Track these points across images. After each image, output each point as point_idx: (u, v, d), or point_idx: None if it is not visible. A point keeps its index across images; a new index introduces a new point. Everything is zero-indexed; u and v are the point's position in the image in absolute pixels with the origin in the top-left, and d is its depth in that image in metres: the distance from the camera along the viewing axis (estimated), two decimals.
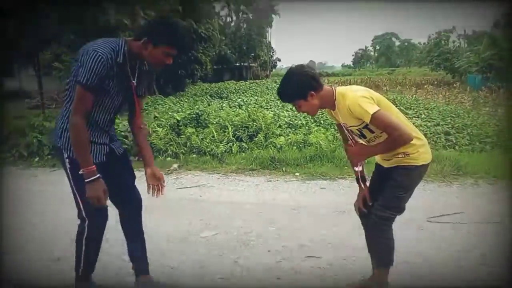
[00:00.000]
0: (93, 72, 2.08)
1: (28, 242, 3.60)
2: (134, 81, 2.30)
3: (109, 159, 2.39)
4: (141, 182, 2.62)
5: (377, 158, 2.55)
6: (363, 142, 2.47)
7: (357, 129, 2.38)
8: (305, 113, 2.48)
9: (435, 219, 3.89)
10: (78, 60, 2.13)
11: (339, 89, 2.35)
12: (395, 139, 2.23)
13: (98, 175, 2.19)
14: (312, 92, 2.29)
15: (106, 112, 2.31)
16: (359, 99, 2.21)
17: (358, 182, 2.62)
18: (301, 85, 2.30)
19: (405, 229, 3.65)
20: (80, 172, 2.17)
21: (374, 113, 2.17)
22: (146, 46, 2.16)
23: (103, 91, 2.19)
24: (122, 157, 2.52)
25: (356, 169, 2.57)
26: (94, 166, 2.18)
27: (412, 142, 2.27)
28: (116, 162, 2.45)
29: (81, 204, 2.33)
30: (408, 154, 2.33)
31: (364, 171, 2.61)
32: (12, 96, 18.97)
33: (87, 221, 2.36)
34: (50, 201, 4.71)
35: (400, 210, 2.44)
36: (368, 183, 2.63)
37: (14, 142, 7.22)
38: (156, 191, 2.52)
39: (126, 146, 5.91)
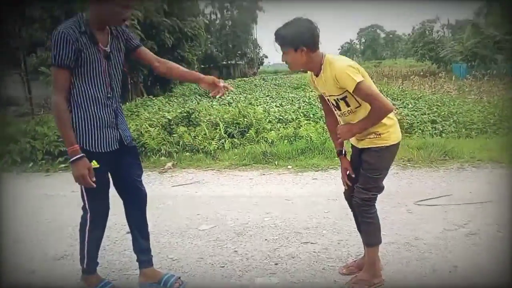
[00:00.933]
0: (60, 48, 2.18)
1: (25, 242, 3.67)
2: (107, 48, 2.35)
3: (119, 147, 2.45)
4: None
5: (352, 139, 2.64)
6: (338, 114, 2.58)
7: (334, 100, 2.48)
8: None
9: (423, 202, 4.05)
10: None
11: (328, 56, 2.42)
12: (377, 109, 2.31)
13: (82, 154, 2.24)
14: (304, 48, 2.34)
15: (99, 83, 2.33)
16: (347, 68, 2.30)
17: (339, 155, 2.74)
18: (298, 35, 2.34)
19: (395, 213, 3.83)
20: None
21: (360, 82, 2.26)
22: (102, 5, 2.22)
23: (81, 61, 2.24)
24: (131, 148, 2.58)
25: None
26: (77, 145, 2.24)
27: (383, 121, 2.39)
28: (124, 152, 2.51)
29: (84, 195, 2.43)
30: (380, 135, 2.44)
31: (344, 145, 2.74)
32: None
33: (89, 212, 2.46)
34: (45, 204, 4.79)
35: (379, 189, 2.56)
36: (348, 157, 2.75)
37: (6, 149, 7.23)
38: (218, 93, 2.58)
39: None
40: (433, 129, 8.42)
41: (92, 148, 2.34)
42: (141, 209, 2.66)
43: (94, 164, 2.32)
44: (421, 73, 30.26)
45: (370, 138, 2.49)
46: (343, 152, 2.72)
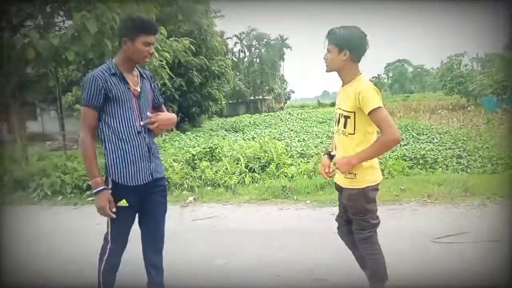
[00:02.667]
0: (90, 89, 2.42)
1: (53, 271, 3.82)
2: (137, 88, 2.56)
3: (149, 184, 2.60)
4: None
5: (335, 176, 2.72)
6: (335, 130, 2.66)
7: (339, 113, 2.57)
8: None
9: (440, 239, 4.00)
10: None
11: (363, 75, 2.53)
12: (389, 135, 2.34)
13: (104, 186, 2.43)
14: (348, 52, 2.44)
15: (130, 120, 2.51)
16: (373, 90, 2.41)
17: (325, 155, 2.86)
18: (348, 39, 2.44)
19: (411, 251, 3.79)
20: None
21: (380, 107, 2.35)
22: (127, 44, 2.46)
23: (112, 100, 2.45)
24: (159, 184, 2.69)
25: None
26: (100, 178, 2.44)
27: (361, 163, 2.45)
28: (154, 190, 2.65)
29: (109, 226, 2.58)
30: (355, 175, 2.49)
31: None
32: (35, 139, 19.75)
33: (110, 244, 2.60)
34: (73, 235, 4.98)
35: (373, 226, 2.61)
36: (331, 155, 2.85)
37: (38, 183, 7.58)
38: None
39: None
40: (458, 164, 8.29)
41: (125, 182, 2.50)
42: (157, 249, 2.77)
43: (124, 202, 2.49)
44: (450, 107, 29.84)
45: (347, 178, 2.55)
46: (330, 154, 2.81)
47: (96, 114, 2.47)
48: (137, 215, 2.71)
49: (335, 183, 2.78)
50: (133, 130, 2.52)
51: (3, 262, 4.16)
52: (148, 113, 2.60)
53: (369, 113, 2.37)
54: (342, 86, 2.60)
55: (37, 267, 3.99)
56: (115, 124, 2.49)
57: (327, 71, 2.61)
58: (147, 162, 2.57)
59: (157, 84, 2.80)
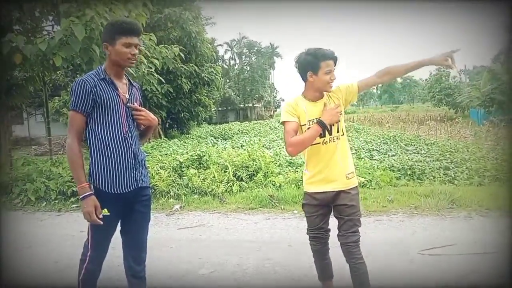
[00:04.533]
0: (78, 95, 2.41)
1: (31, 280, 3.73)
2: (126, 95, 2.54)
3: (133, 192, 2.54)
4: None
5: (324, 186, 2.76)
6: (319, 142, 2.70)
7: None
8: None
9: (426, 251, 3.99)
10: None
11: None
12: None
13: (90, 192, 2.39)
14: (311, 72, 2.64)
15: (118, 126, 2.48)
16: None
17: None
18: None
19: (397, 262, 3.78)
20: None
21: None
22: (108, 49, 2.45)
23: (100, 106, 2.43)
24: (144, 194, 2.64)
25: None
26: (86, 183, 2.39)
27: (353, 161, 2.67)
28: (138, 199, 2.61)
29: (90, 234, 2.53)
30: (353, 173, 2.75)
31: None
32: (21, 143, 19.50)
33: (90, 251, 2.55)
34: (54, 242, 4.88)
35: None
36: None
37: (22, 188, 7.44)
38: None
39: None
40: (445, 175, 8.32)
41: (108, 189, 2.46)
42: (138, 262, 2.70)
43: (105, 212, 2.44)
44: (438, 118, 30.23)
45: (348, 178, 2.67)
46: None
47: (83, 118, 2.44)
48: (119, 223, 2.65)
49: (320, 193, 2.72)
50: (119, 136, 2.48)
51: None
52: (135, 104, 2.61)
53: (358, 84, 2.72)
54: (314, 101, 2.70)
55: (20, 273, 3.89)
56: (101, 130, 2.46)
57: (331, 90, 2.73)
58: (132, 170, 2.53)
59: (143, 93, 2.78)
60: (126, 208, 2.58)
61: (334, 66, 2.61)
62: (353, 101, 2.85)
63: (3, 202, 7.36)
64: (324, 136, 2.66)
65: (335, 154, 2.66)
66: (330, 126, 2.63)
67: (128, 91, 2.58)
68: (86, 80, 2.42)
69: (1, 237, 5.28)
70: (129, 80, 2.65)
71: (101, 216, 2.39)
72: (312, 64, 2.58)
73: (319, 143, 2.67)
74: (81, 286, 2.60)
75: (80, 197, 2.39)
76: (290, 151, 2.60)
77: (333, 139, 2.66)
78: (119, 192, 2.48)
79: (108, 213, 2.44)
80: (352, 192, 2.68)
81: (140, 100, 2.73)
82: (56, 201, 7.05)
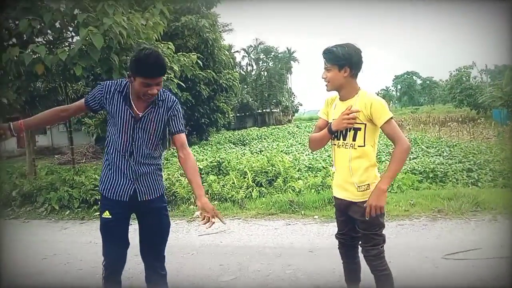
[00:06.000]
0: (92, 91, 2.61)
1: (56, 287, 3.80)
2: (140, 113, 2.51)
3: (134, 203, 2.56)
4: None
5: (339, 191, 2.72)
6: (335, 144, 2.65)
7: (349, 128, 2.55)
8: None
9: (450, 256, 3.91)
10: None
11: (364, 90, 2.57)
12: (404, 145, 2.42)
13: (11, 123, 2.49)
14: (348, 69, 2.47)
15: (121, 139, 2.51)
16: (384, 102, 2.51)
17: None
18: (347, 56, 2.46)
19: (421, 267, 3.71)
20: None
21: (391, 117, 2.45)
22: (130, 79, 2.48)
23: (110, 113, 2.53)
24: (152, 207, 2.62)
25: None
26: (23, 124, 2.52)
27: (374, 172, 2.56)
28: (147, 211, 2.61)
29: (102, 242, 2.61)
30: (369, 186, 2.57)
31: None
32: (44, 152, 19.96)
33: (103, 260, 2.61)
34: (78, 250, 4.96)
35: (384, 240, 2.62)
36: None
37: (46, 197, 7.60)
38: (206, 222, 2.44)
39: None
40: (468, 177, 8.15)
41: (106, 194, 2.57)
42: (153, 270, 2.70)
43: (107, 214, 2.54)
44: (460, 119, 29.65)
45: (359, 190, 2.53)
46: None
47: (82, 107, 2.62)
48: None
49: (337, 198, 2.71)
50: (120, 148, 2.54)
51: (10, 275, 4.15)
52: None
53: (383, 124, 2.43)
54: (342, 101, 2.61)
55: (45, 281, 3.97)
56: (109, 138, 2.60)
57: (328, 90, 2.62)
58: (129, 183, 2.54)
59: (181, 113, 2.68)
60: (138, 219, 2.65)
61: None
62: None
63: (28, 211, 7.54)
64: (338, 139, 2.62)
65: (347, 162, 2.57)
66: (346, 131, 2.55)
67: (145, 109, 2.53)
68: (106, 85, 2.56)
69: (27, 245, 5.41)
70: (156, 98, 2.53)
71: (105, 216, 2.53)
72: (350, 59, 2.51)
73: (335, 144, 2.65)
74: None
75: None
76: (308, 146, 2.71)
77: (346, 145, 2.57)
78: (114, 199, 2.54)
79: (110, 216, 2.53)
80: (365, 206, 2.51)
81: (165, 116, 2.58)
82: (79, 209, 7.18)
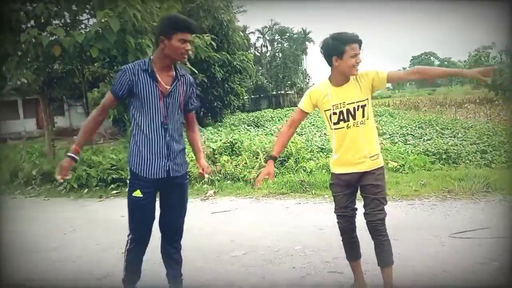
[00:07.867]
0: (117, 80, 2.60)
1: (73, 261, 4.01)
2: (167, 87, 2.62)
3: (165, 179, 2.67)
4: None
5: (350, 166, 2.81)
6: (342, 127, 2.73)
7: (355, 107, 2.68)
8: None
9: (457, 234, 3.98)
10: None
11: None
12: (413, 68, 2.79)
13: (72, 155, 2.57)
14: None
15: (149, 116, 2.60)
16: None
17: (270, 159, 3.12)
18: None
19: (427, 245, 3.80)
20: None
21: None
22: (163, 43, 2.54)
23: (137, 95, 2.58)
24: (177, 182, 2.75)
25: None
26: (78, 147, 2.60)
27: (379, 143, 2.79)
28: (173, 187, 2.73)
29: (129, 217, 2.72)
30: (378, 155, 2.80)
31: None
32: (63, 133, 20.38)
33: (130, 234, 2.75)
34: (96, 226, 5.18)
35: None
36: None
37: None
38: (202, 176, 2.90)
39: None
40: (482, 159, 8.15)
41: (140, 173, 2.63)
42: (171, 245, 2.86)
43: (138, 193, 2.62)
44: (477, 101, 29.13)
45: (372, 159, 2.73)
46: (275, 159, 3.03)
47: (114, 100, 2.63)
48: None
49: (345, 174, 2.80)
50: (153, 125, 2.60)
51: (31, 253, 4.38)
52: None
53: (388, 73, 2.67)
54: (339, 86, 2.72)
55: (65, 255, 4.19)
56: (138, 118, 2.61)
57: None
58: (163, 159, 2.63)
59: (197, 92, 2.89)
60: (162, 194, 2.75)
61: (359, 49, 2.63)
62: (379, 89, 2.85)
63: (48, 189, 7.82)
64: (348, 121, 2.70)
65: (359, 138, 2.70)
66: (354, 111, 2.67)
67: (172, 83, 2.64)
68: (128, 68, 2.58)
69: (48, 221, 5.65)
70: (177, 72, 2.68)
71: (65, 177, 2.60)
72: (337, 48, 2.61)
73: (343, 127, 2.72)
74: (125, 266, 2.80)
75: (66, 154, 2.62)
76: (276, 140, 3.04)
77: (357, 123, 2.69)
78: (150, 177, 2.62)
79: (141, 195, 2.62)
80: (377, 172, 2.73)
81: (190, 94, 2.78)
82: (97, 188, 7.43)
